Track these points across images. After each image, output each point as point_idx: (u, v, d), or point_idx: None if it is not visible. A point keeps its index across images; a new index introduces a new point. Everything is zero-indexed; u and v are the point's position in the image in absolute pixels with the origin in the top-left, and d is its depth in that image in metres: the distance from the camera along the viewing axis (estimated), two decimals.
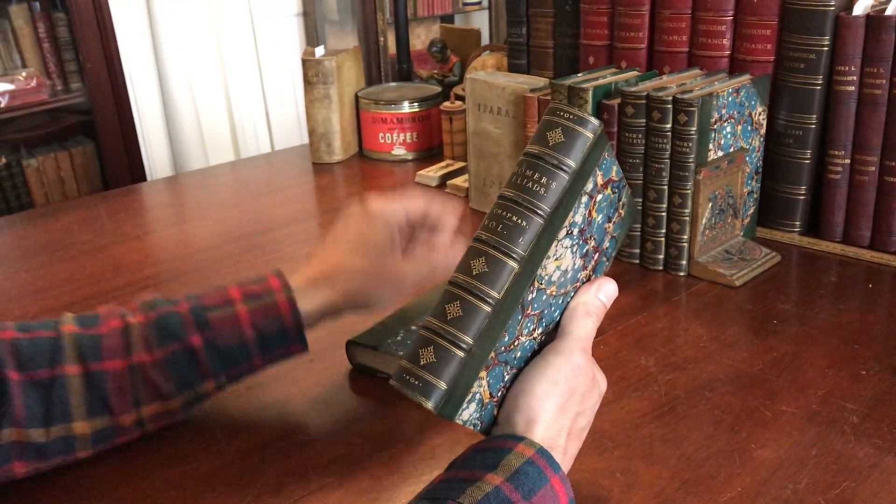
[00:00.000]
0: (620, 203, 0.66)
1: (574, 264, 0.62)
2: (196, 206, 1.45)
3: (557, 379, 0.60)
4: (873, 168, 1.05)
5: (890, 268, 1.03)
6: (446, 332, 0.55)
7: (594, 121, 0.59)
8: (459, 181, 1.36)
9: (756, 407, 0.77)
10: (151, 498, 0.70)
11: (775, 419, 0.75)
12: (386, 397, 0.82)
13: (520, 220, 0.57)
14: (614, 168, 0.64)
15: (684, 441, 0.73)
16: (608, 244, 0.67)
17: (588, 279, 0.65)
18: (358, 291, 0.75)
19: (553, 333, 0.63)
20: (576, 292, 0.64)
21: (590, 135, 0.59)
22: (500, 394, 0.60)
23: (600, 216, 0.64)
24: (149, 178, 2.27)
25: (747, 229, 1.11)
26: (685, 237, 1.02)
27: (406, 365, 0.55)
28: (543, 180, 0.58)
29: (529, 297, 0.59)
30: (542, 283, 0.60)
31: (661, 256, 1.05)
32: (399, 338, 0.86)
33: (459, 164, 1.44)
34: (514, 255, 0.56)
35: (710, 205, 1.02)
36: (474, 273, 0.56)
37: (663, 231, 1.04)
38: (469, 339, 0.55)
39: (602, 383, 0.64)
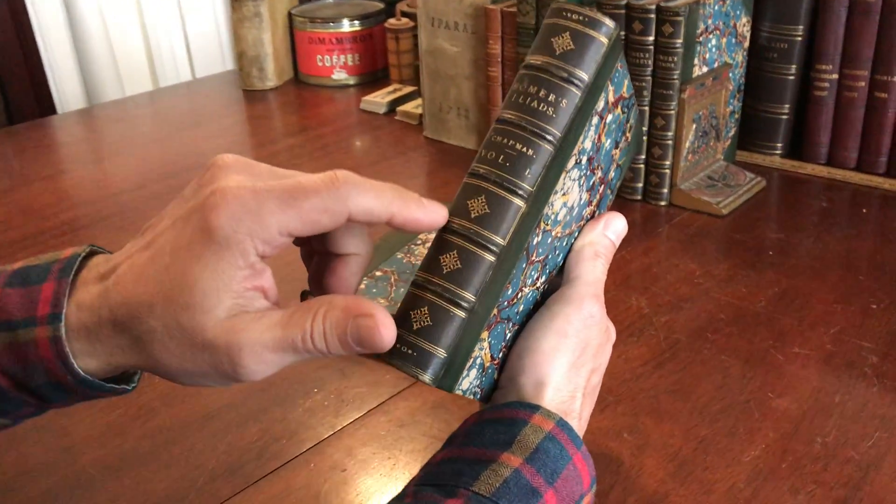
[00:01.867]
0: (628, 125, 0.56)
1: (580, 199, 0.52)
2: (114, 141, 1.30)
3: (567, 331, 0.51)
4: (863, 83, 0.97)
5: (880, 191, 0.97)
6: (443, 288, 0.45)
7: (609, 22, 0.49)
8: (411, 107, 1.25)
9: (766, 350, 0.70)
10: (105, 463, 0.59)
11: (789, 363, 0.68)
12: (351, 355, 0.72)
13: (525, 149, 0.47)
14: (626, 82, 0.53)
15: (693, 392, 0.65)
16: (613, 174, 0.57)
17: (593, 216, 0.55)
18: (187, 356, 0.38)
19: (557, 281, 0.54)
20: (580, 231, 0.54)
21: (604, 39, 0.49)
22: (500, 355, 0.51)
23: (608, 141, 0.54)
24: (59, 111, 2.08)
25: (727, 153, 1.03)
26: (667, 163, 0.94)
27: (396, 331, 0.45)
28: (551, 98, 0.47)
29: (535, 241, 0.49)
30: (548, 224, 0.50)
31: (640, 185, 0.96)
32: (363, 285, 0.75)
33: (409, 89, 1.32)
34: (521, 192, 0.46)
35: (694, 126, 0.93)
36: (473, 216, 0.46)
37: (643, 157, 0.95)
38: (471, 296, 0.45)
39: (613, 334, 0.55)
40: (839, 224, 0.90)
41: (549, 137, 0.47)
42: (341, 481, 0.58)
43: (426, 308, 0.45)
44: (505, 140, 0.47)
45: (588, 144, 0.50)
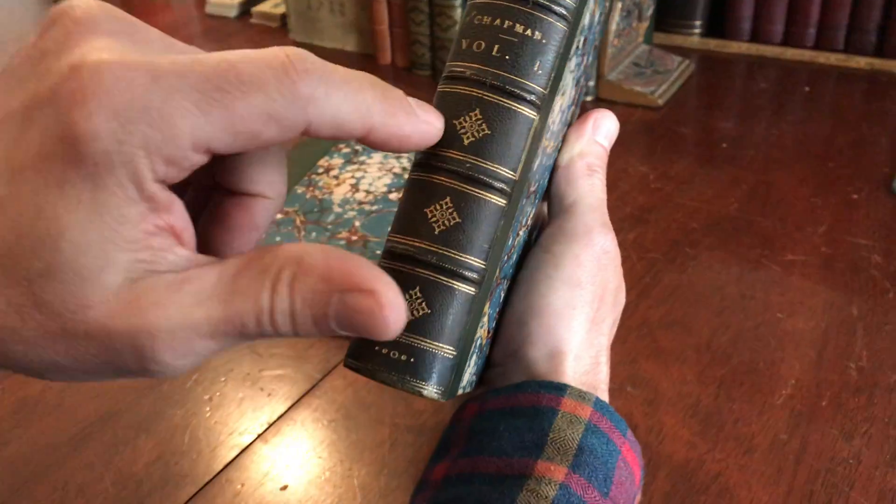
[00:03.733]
0: None
1: (570, 97, 0.38)
2: None
3: (580, 279, 0.37)
4: None
5: (814, 66, 0.88)
6: (439, 255, 0.30)
7: None
8: (269, 7, 1.05)
9: (756, 260, 0.60)
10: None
11: (787, 273, 0.58)
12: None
13: (530, 31, 0.31)
14: None
15: (692, 322, 0.54)
16: (591, 58, 0.43)
17: (572, 118, 0.41)
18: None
19: (540, 208, 0.40)
20: (563, 139, 0.40)
21: None
22: (494, 324, 0.37)
23: (598, 13, 0.39)
24: None
25: (646, 35, 0.91)
26: None
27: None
28: None
29: (535, 165, 0.35)
30: (546, 138, 0.35)
31: None
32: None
33: None
34: (531, 98, 0.31)
35: (619, 5, 0.80)
36: (468, 141, 0.31)
37: None
38: (479, 261, 0.31)
39: None
40: (786, 106, 0.81)
41: (559, 10, 0.32)
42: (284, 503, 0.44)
43: (418, 289, 0.30)
44: (497, 21, 0.31)
45: (587, 20, 0.36)
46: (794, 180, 0.68)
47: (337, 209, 0.61)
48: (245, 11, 1.08)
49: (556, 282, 0.37)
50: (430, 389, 0.29)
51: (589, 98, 0.82)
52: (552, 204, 0.39)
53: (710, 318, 0.55)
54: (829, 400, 0.48)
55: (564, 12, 0.32)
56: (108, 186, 0.21)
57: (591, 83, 0.82)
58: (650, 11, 0.90)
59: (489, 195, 0.30)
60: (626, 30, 0.84)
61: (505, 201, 0.31)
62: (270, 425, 0.48)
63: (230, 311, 0.23)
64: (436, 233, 0.30)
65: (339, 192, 0.63)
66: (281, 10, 1.02)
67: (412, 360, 0.29)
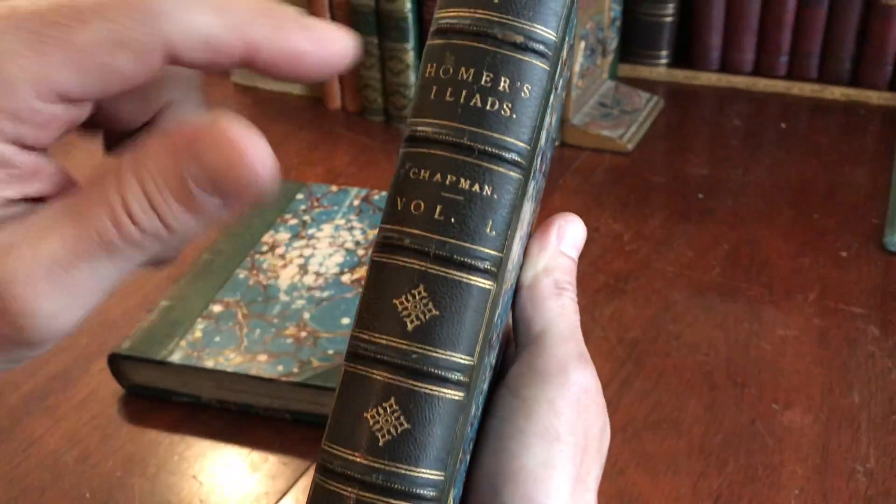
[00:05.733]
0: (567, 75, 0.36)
1: (530, 216, 0.33)
2: None
3: (558, 431, 0.32)
4: None
5: (787, 97, 0.84)
6: (387, 473, 0.25)
7: None
8: None
9: (746, 338, 0.55)
10: None
11: (779, 353, 0.53)
12: (177, 423, 0.51)
13: (478, 187, 0.26)
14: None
15: (681, 419, 0.49)
16: (551, 150, 0.37)
17: (534, 213, 0.36)
18: None
19: (505, 337, 0.34)
20: (525, 251, 0.34)
21: None
22: (461, 487, 0.31)
23: (555, 116, 0.34)
24: None
25: (611, 69, 0.86)
26: None
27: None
28: (504, 85, 0.26)
29: (496, 316, 0.29)
30: (504, 281, 0.30)
31: None
32: (183, 341, 0.52)
33: None
34: (485, 265, 0.26)
35: (583, 44, 0.75)
36: (411, 327, 0.25)
37: None
38: (438, 473, 0.26)
39: None
40: (762, 147, 0.76)
41: (511, 156, 0.26)
42: None
43: None
44: (437, 177, 0.26)
45: (543, 138, 0.30)
46: (777, 236, 0.64)
47: (284, 297, 0.55)
48: None
49: (529, 437, 0.31)
50: None
51: (555, 143, 0.77)
52: (518, 330, 0.33)
53: (701, 413, 0.50)
54: None
55: (517, 158, 0.26)
56: None
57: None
58: (614, 45, 0.85)
59: (443, 390, 0.25)
60: (591, 68, 0.78)
61: (462, 394, 0.25)
62: None
63: (81, 222, 0.20)
64: (380, 444, 0.24)
65: (286, 276, 0.57)
66: None
67: None
